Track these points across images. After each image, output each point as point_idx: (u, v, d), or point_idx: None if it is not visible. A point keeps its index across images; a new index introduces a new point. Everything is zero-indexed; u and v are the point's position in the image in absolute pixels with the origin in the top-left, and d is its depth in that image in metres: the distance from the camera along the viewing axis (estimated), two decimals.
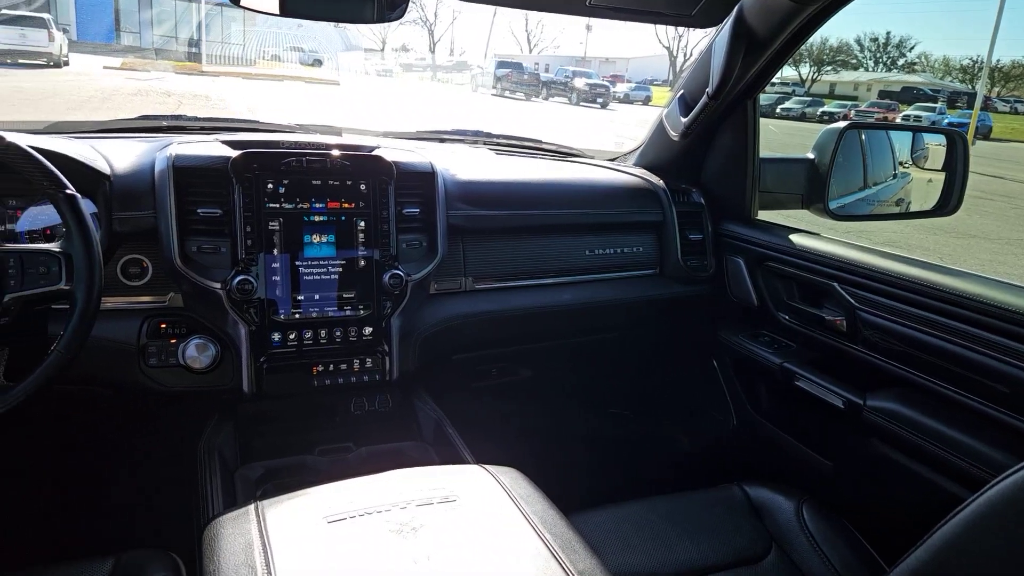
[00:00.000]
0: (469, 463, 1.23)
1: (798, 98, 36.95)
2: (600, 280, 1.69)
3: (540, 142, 2.04)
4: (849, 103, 38.77)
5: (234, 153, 1.27)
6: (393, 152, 1.42)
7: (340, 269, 1.33)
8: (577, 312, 1.66)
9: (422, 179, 1.43)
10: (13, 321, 0.95)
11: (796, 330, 1.58)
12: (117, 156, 1.28)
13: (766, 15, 1.40)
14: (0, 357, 1.01)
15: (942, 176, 1.69)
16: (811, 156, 1.65)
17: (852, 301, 1.39)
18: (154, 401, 1.39)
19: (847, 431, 1.44)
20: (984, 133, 28.02)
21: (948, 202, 1.68)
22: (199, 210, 1.25)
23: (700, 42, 1.67)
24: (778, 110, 32.91)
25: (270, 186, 1.28)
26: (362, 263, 1.35)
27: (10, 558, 1.47)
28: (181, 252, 1.22)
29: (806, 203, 1.68)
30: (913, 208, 1.82)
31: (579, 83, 27.49)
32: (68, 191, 0.98)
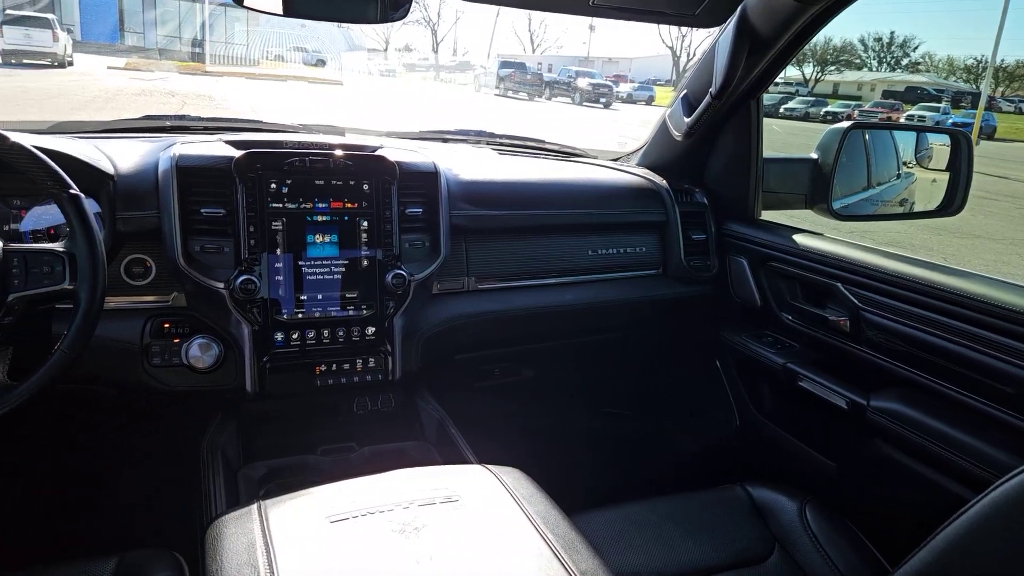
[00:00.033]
0: (471, 463, 1.23)
1: (802, 98, 36.91)
2: (603, 280, 1.69)
3: (543, 142, 2.04)
4: (853, 103, 38.72)
5: (237, 153, 1.27)
6: (396, 152, 1.43)
7: (343, 269, 1.34)
8: (580, 312, 1.66)
9: (425, 179, 1.43)
10: (17, 321, 0.95)
11: (799, 330, 1.58)
12: (121, 156, 1.28)
13: (769, 15, 1.40)
14: (4, 356, 1.01)
15: (946, 176, 1.68)
16: (815, 156, 1.65)
17: (855, 301, 1.39)
18: (157, 401, 1.40)
19: (850, 432, 1.44)
20: (988, 133, 27.96)
21: (952, 202, 1.68)
22: (202, 210, 1.25)
23: (703, 42, 1.67)
24: (781, 110, 32.88)
25: (273, 186, 1.28)
26: (365, 263, 1.35)
27: (13, 557, 1.48)
28: (184, 252, 1.23)
29: (809, 203, 1.67)
30: (917, 208, 1.82)
31: (582, 83, 27.49)
32: (72, 191, 0.98)
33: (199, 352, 1.26)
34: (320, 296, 1.32)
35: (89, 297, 0.96)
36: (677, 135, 1.72)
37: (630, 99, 33.26)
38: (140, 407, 1.53)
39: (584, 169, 1.86)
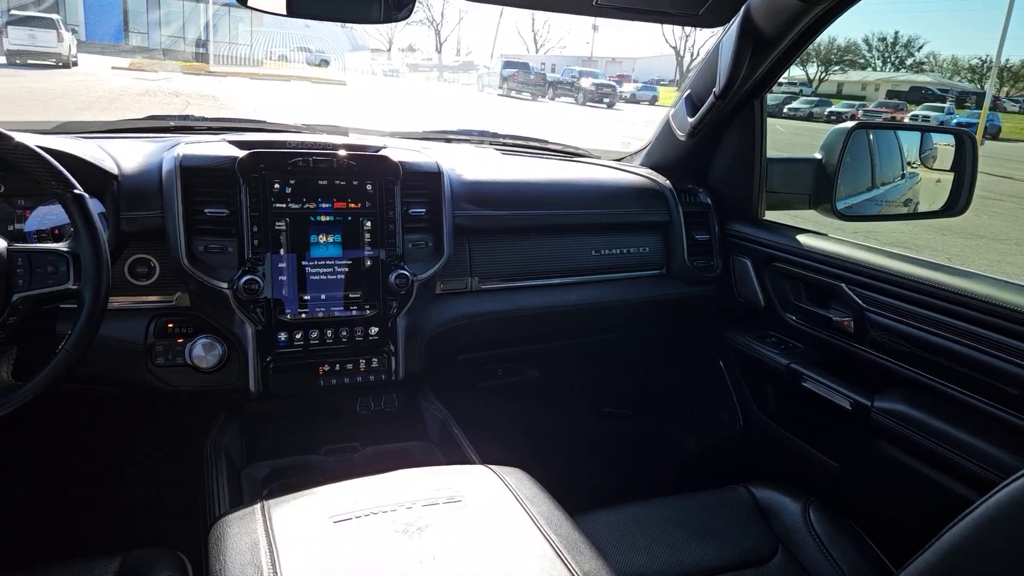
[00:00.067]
0: (475, 463, 1.23)
1: (805, 98, 36.86)
2: (606, 280, 1.69)
3: (546, 142, 2.04)
4: (857, 103, 38.65)
5: (241, 153, 1.27)
6: (399, 152, 1.43)
7: (346, 269, 1.34)
8: (583, 312, 1.66)
9: (428, 179, 1.43)
10: (21, 320, 0.96)
11: (803, 331, 1.57)
12: (125, 156, 1.28)
13: (773, 15, 1.40)
14: (8, 356, 1.02)
15: (950, 176, 1.68)
16: (818, 156, 1.64)
17: (859, 302, 1.39)
18: (161, 400, 1.40)
19: (854, 432, 1.43)
20: (993, 133, 27.91)
21: (956, 202, 1.67)
22: (206, 210, 1.25)
23: (707, 42, 1.67)
24: (785, 110, 32.83)
25: (277, 186, 1.29)
26: (368, 263, 1.35)
27: (17, 557, 1.48)
28: (188, 252, 1.23)
29: (813, 203, 1.67)
30: (921, 208, 1.81)
31: (585, 83, 27.47)
32: (76, 191, 0.98)
33: (203, 352, 1.26)
34: (323, 296, 1.32)
35: (93, 297, 0.97)
36: (681, 135, 1.72)
37: (633, 99, 33.22)
38: (144, 407, 1.53)
39: (587, 169, 1.86)
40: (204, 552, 0.86)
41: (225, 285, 1.24)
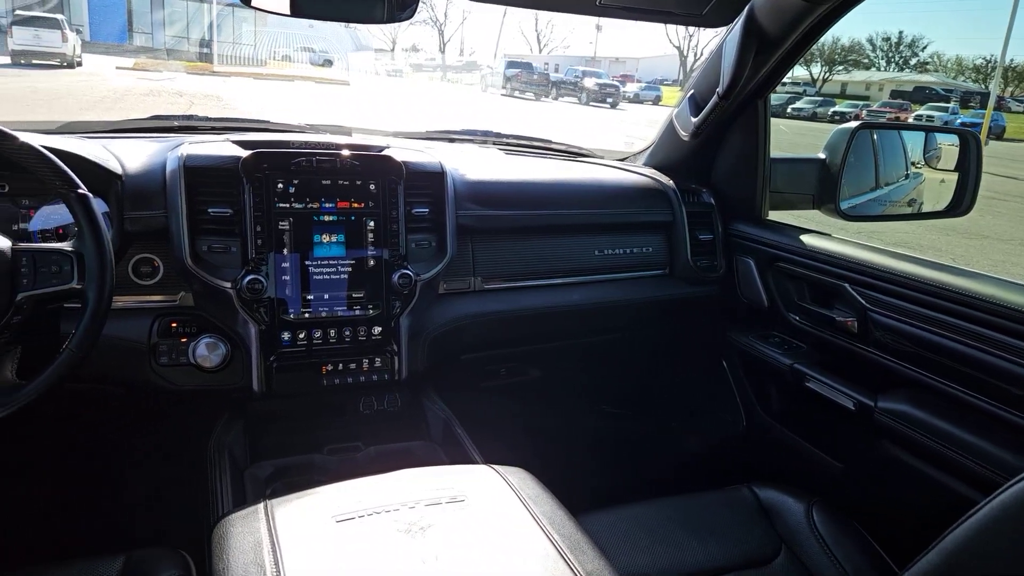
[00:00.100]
0: (478, 463, 1.23)
1: (809, 98, 36.77)
2: (609, 280, 1.69)
3: (549, 142, 2.04)
4: (861, 103, 38.56)
5: (244, 153, 1.28)
6: (403, 152, 1.43)
7: (349, 269, 1.34)
8: (586, 312, 1.66)
9: (431, 179, 1.43)
10: (26, 320, 0.96)
11: (806, 331, 1.57)
12: (129, 156, 1.29)
13: (777, 14, 1.39)
14: (12, 356, 1.02)
15: (955, 176, 1.67)
16: (822, 156, 1.64)
17: (863, 302, 1.38)
18: (164, 400, 1.40)
19: (858, 433, 1.43)
20: (997, 133, 27.79)
21: (961, 203, 1.67)
22: (210, 210, 1.25)
23: (711, 42, 1.67)
24: (789, 110, 32.76)
25: (280, 186, 1.29)
26: (371, 263, 1.35)
27: (20, 556, 1.48)
28: (192, 251, 1.23)
29: (817, 203, 1.67)
30: (925, 209, 1.81)
31: (589, 83, 27.46)
32: (80, 191, 0.98)
33: (206, 351, 1.27)
34: (327, 296, 1.32)
35: (97, 296, 0.97)
36: (684, 135, 1.71)
37: (637, 99, 33.19)
38: (147, 406, 1.54)
39: (591, 169, 1.86)
40: (207, 551, 0.86)
41: (229, 285, 1.24)
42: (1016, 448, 1.12)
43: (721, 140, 1.77)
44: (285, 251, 1.29)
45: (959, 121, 28.39)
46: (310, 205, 1.31)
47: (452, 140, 1.92)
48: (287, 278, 1.29)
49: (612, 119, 20.63)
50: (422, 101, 20.47)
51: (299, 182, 1.30)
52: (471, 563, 0.80)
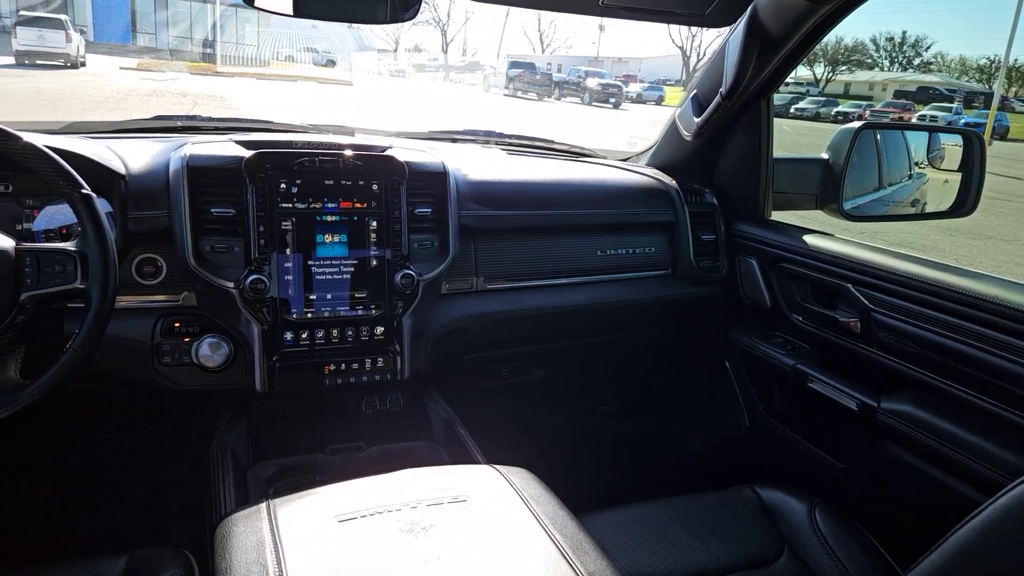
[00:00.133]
0: (480, 463, 1.23)
1: (812, 98, 36.73)
2: (612, 280, 1.69)
3: (552, 142, 2.04)
4: (864, 103, 38.51)
5: (247, 153, 1.28)
6: (405, 152, 1.43)
7: (352, 269, 1.34)
8: (588, 313, 1.66)
9: (434, 179, 1.43)
10: (29, 319, 0.96)
11: (809, 331, 1.57)
12: (132, 156, 1.29)
13: (780, 14, 1.39)
14: (16, 355, 1.02)
15: (958, 177, 1.67)
16: (825, 156, 1.64)
17: (866, 302, 1.38)
18: (167, 400, 1.40)
19: (861, 433, 1.43)
20: (1001, 133, 27.74)
21: (964, 203, 1.66)
22: (213, 210, 1.26)
23: (714, 42, 1.66)
24: (792, 110, 32.72)
25: (283, 186, 1.29)
26: (374, 263, 1.36)
27: (23, 556, 1.49)
28: (195, 251, 1.23)
29: (820, 204, 1.66)
30: (929, 209, 1.80)
31: (592, 83, 27.44)
32: (84, 191, 0.98)
33: (209, 351, 1.27)
34: (329, 296, 1.32)
35: (100, 296, 0.97)
36: (687, 135, 1.71)
37: (640, 99, 33.18)
38: (150, 406, 1.54)
39: (593, 169, 1.86)
40: (210, 551, 0.86)
41: (231, 285, 1.25)
42: (1019, 449, 1.12)
43: (724, 140, 1.77)
44: (288, 251, 1.29)
45: (963, 121, 28.33)
46: (313, 205, 1.31)
47: (455, 140, 1.92)
48: (290, 278, 1.30)
49: (615, 119, 20.62)
50: (424, 101, 20.47)
51: (302, 182, 1.30)
52: (473, 563, 0.80)
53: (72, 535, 1.62)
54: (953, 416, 1.23)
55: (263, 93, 16.26)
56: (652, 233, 1.74)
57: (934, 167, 1.79)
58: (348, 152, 1.34)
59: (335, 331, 1.33)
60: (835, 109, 32.75)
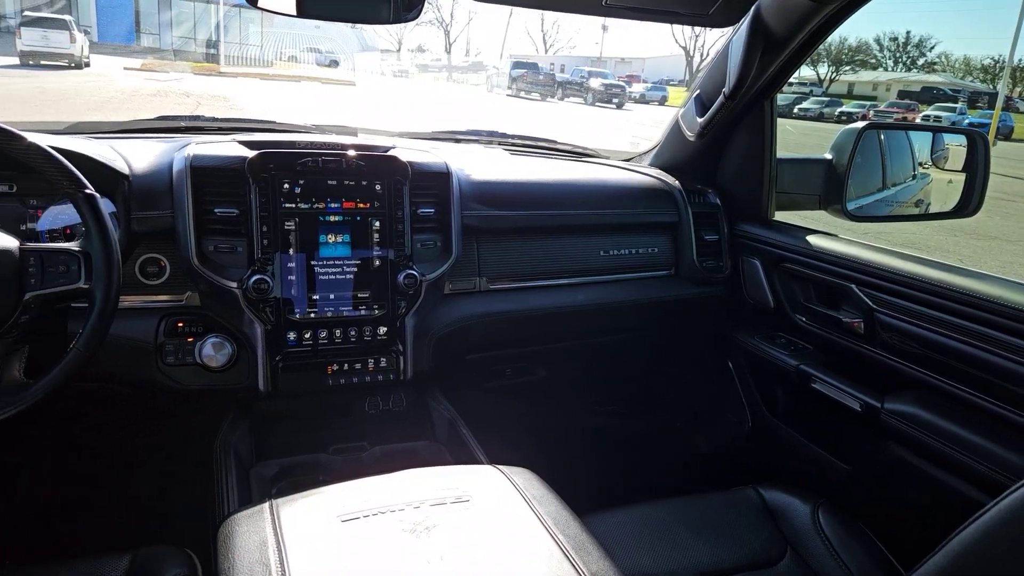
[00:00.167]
0: (483, 463, 1.23)
1: (816, 98, 36.70)
2: (615, 281, 1.69)
3: (555, 142, 2.04)
4: (868, 103, 38.46)
5: (251, 153, 1.28)
6: (408, 152, 1.43)
7: (355, 269, 1.34)
8: (591, 313, 1.66)
9: (437, 179, 1.43)
10: (33, 319, 0.96)
11: (813, 332, 1.57)
12: (136, 156, 1.29)
13: (784, 14, 1.39)
14: (20, 355, 1.02)
15: (962, 177, 1.67)
16: (829, 156, 1.64)
17: (870, 303, 1.38)
18: (171, 399, 1.41)
19: (864, 434, 1.43)
20: (1005, 134, 27.69)
21: (968, 203, 1.66)
22: (216, 210, 1.26)
23: (717, 42, 1.66)
24: (795, 110, 32.71)
25: (286, 186, 1.29)
26: (377, 263, 1.36)
27: (28, 554, 1.49)
28: (198, 251, 1.24)
29: (824, 204, 1.66)
30: (933, 209, 1.80)
31: (595, 83, 27.44)
32: (88, 191, 0.99)
33: (212, 351, 1.27)
34: (332, 296, 1.32)
35: (104, 296, 0.97)
36: (690, 135, 1.71)
37: (643, 99, 33.18)
38: (154, 406, 1.54)
39: (596, 169, 1.86)
40: (213, 550, 0.86)
41: (235, 284, 1.25)
42: (1023, 450, 1.11)
43: (727, 140, 1.76)
44: (291, 251, 1.29)
45: (967, 121, 28.27)
46: (316, 205, 1.31)
47: (457, 140, 1.92)
48: (293, 278, 1.30)
49: (618, 119, 20.61)
50: (427, 101, 20.49)
51: (305, 182, 1.30)
52: (476, 563, 0.80)
53: (75, 534, 1.62)
54: (957, 417, 1.22)
55: (266, 93, 16.29)
56: (655, 233, 1.74)
57: (938, 167, 1.78)
58: (351, 152, 1.34)
59: (338, 331, 1.33)
60: (839, 109, 32.72)
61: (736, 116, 1.67)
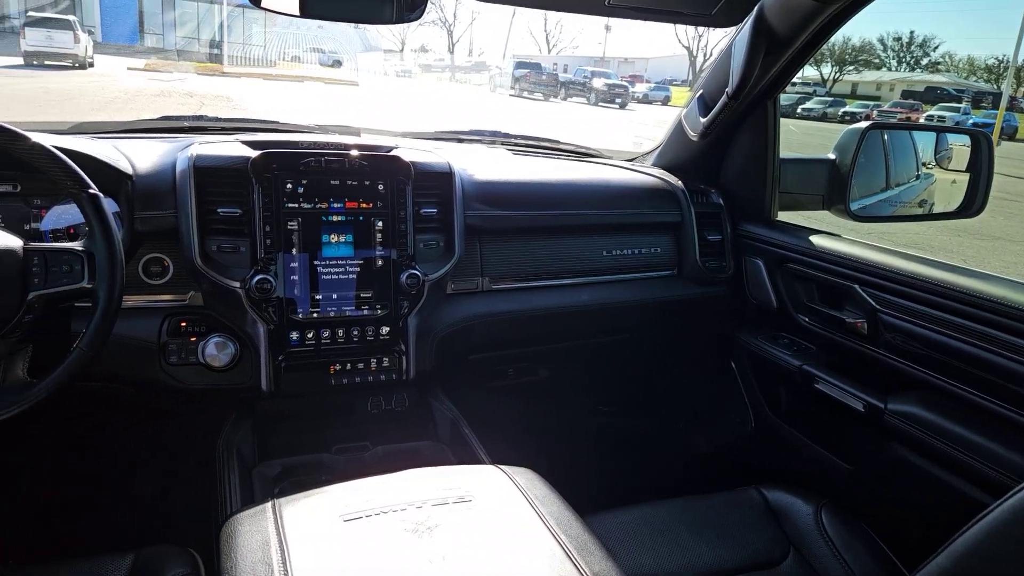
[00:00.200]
0: (485, 463, 1.23)
1: (819, 98, 36.66)
2: (618, 281, 1.68)
3: (558, 142, 2.04)
4: (871, 103, 38.38)
5: (254, 153, 1.28)
6: (411, 152, 1.43)
7: (358, 269, 1.34)
8: (594, 313, 1.65)
9: (440, 179, 1.43)
10: (37, 319, 0.97)
11: (816, 332, 1.56)
12: (139, 156, 1.29)
13: (787, 14, 1.39)
14: (24, 354, 1.03)
15: (966, 177, 1.66)
16: (832, 156, 1.63)
17: (873, 303, 1.38)
18: (174, 399, 1.41)
19: (867, 434, 1.42)
20: (1009, 134, 27.60)
21: (972, 203, 1.66)
22: (219, 210, 1.26)
23: (720, 42, 1.66)
24: (799, 110, 32.65)
25: (289, 186, 1.29)
26: (380, 263, 1.36)
27: (30, 554, 1.49)
28: (201, 251, 1.24)
29: (827, 204, 1.66)
30: (936, 209, 1.80)
31: (598, 83, 27.43)
32: (91, 191, 0.99)
33: (215, 351, 1.27)
34: (335, 296, 1.33)
35: (107, 296, 0.97)
36: (693, 135, 1.71)
37: (646, 99, 33.17)
38: (157, 405, 1.54)
39: (599, 169, 1.86)
40: (216, 549, 0.86)
41: (238, 284, 1.25)
42: None
43: (730, 140, 1.76)
44: (294, 251, 1.30)
45: (971, 121, 28.21)
46: (319, 205, 1.31)
47: (460, 140, 1.92)
48: (296, 278, 1.30)
49: (621, 119, 20.60)
50: (430, 102, 20.50)
51: (308, 182, 1.30)
52: (478, 563, 0.80)
53: (78, 534, 1.63)
54: (960, 418, 1.22)
55: (270, 93, 16.31)
56: (658, 233, 1.74)
57: (942, 167, 1.78)
58: (354, 152, 1.34)
59: (341, 331, 1.33)
60: (842, 109, 32.68)
61: (739, 116, 1.67)
